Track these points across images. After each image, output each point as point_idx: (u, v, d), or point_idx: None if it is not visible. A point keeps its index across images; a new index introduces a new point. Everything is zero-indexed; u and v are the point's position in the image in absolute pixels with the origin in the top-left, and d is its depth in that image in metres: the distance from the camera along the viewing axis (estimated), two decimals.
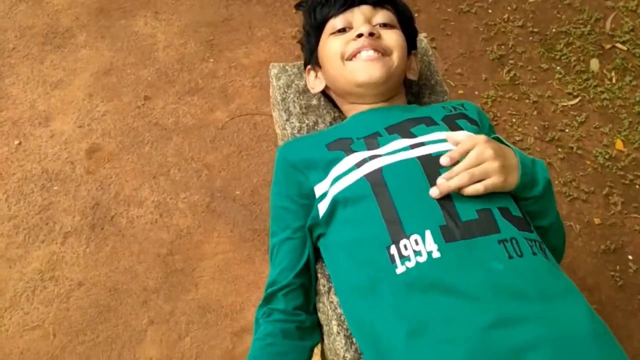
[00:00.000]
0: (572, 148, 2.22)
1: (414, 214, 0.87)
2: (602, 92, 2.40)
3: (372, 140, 0.99)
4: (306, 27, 1.24)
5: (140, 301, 1.81)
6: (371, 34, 1.07)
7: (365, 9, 1.13)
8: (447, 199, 0.87)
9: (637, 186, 2.13)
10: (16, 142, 2.13)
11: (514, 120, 2.30)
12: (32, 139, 2.14)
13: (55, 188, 2.02)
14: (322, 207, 0.99)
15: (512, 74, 2.45)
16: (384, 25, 1.13)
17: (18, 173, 2.05)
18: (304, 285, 1.04)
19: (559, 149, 2.23)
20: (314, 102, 1.27)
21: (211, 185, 2.06)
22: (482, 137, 0.89)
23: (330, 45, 1.13)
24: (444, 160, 0.89)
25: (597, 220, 2.05)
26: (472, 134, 0.96)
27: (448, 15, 2.68)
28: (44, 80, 2.30)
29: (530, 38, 2.60)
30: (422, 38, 1.41)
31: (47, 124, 2.18)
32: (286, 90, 1.29)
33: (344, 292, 0.96)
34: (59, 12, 2.56)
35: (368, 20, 1.12)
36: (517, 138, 2.25)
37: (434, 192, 0.87)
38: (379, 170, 0.93)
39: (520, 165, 0.90)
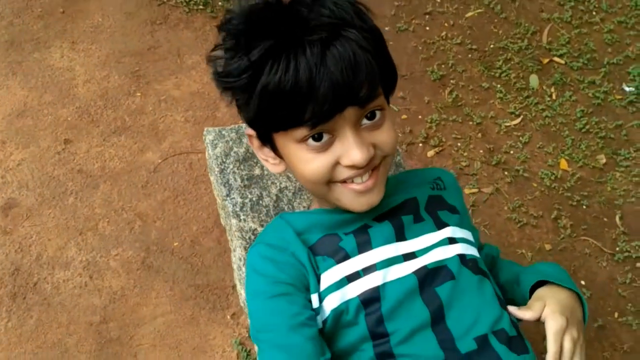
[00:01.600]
0: (518, 171, 2.20)
1: (410, 349, 0.79)
2: (543, 110, 2.38)
3: (364, 238, 0.88)
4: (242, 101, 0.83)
5: None
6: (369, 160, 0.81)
7: (352, 111, 0.78)
8: (443, 327, 0.81)
9: (584, 207, 2.13)
10: None
11: (459, 144, 2.25)
12: None
13: None
14: (320, 319, 0.86)
15: (454, 94, 2.40)
16: (373, 121, 0.82)
17: None
18: None
19: (506, 172, 2.20)
20: (257, 171, 1.15)
21: (146, 238, 1.89)
22: (563, 322, 0.85)
23: (310, 166, 0.82)
24: None
25: (547, 246, 2.02)
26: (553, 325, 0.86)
27: (386, 35, 2.56)
28: None
29: (470, 55, 2.56)
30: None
31: None
32: (224, 160, 1.16)
33: None
34: None
35: (355, 124, 0.80)
36: (464, 163, 2.20)
37: None
38: (376, 291, 0.83)
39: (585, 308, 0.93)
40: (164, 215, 1.94)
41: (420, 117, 2.32)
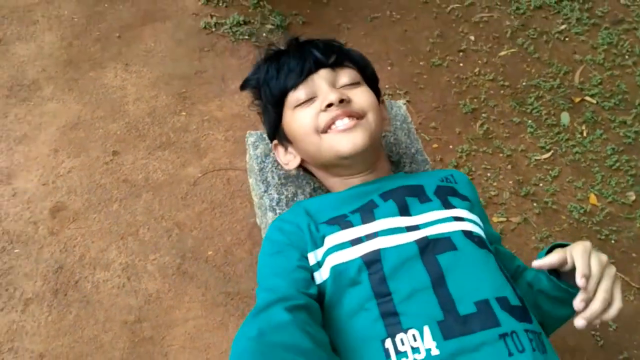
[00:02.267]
0: (547, 203, 2.23)
1: (411, 307, 0.83)
2: (574, 146, 2.42)
3: (368, 213, 0.95)
4: (262, 103, 1.15)
5: None
6: (341, 100, 1.01)
7: (324, 72, 1.06)
8: (444, 290, 0.83)
9: (613, 241, 2.13)
10: None
11: (488, 174, 2.30)
12: None
13: (16, 251, 1.91)
14: (320, 276, 0.93)
15: (485, 127, 2.46)
16: (350, 85, 1.06)
17: None
18: (314, 313, 0.86)
19: (535, 204, 2.23)
20: (293, 171, 1.23)
21: (182, 245, 1.98)
22: (605, 258, 0.84)
23: (299, 120, 1.05)
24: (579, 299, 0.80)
25: None
26: (584, 251, 0.85)
27: (420, 69, 2.70)
28: (7, 135, 2.21)
29: (502, 91, 2.63)
30: (402, 105, 1.39)
31: (9, 181, 2.08)
32: (264, 159, 1.25)
33: None
34: (25, 63, 2.48)
35: (332, 84, 1.05)
36: (493, 193, 2.24)
37: (580, 323, 0.78)
38: (377, 253, 0.89)
39: None
40: (201, 225, 2.04)
41: (451, 146, 2.38)
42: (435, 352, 0.78)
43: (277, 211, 1.16)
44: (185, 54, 2.61)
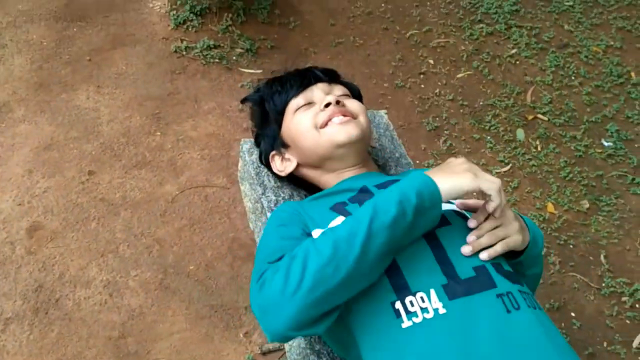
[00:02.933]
0: None
1: (417, 273, 0.91)
2: (530, 159, 2.59)
3: (365, 198, 1.03)
4: (259, 122, 1.31)
5: None
6: (337, 102, 1.17)
7: (321, 85, 1.24)
8: (445, 259, 0.92)
9: (571, 246, 2.28)
10: None
11: None
12: None
13: None
14: None
15: (448, 143, 2.60)
16: (343, 96, 1.24)
17: None
18: None
19: None
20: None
21: (163, 261, 2.00)
22: (503, 198, 0.95)
23: (300, 120, 1.20)
24: (472, 224, 0.97)
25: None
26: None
27: (385, 90, 2.84)
28: None
29: (461, 110, 2.80)
30: (383, 114, 1.49)
31: None
32: (259, 164, 1.31)
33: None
34: None
35: (327, 94, 1.22)
36: None
37: (467, 249, 0.93)
38: None
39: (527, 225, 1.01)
40: (181, 241, 2.06)
41: (417, 162, 2.51)
42: (442, 311, 0.86)
43: None
44: (157, 76, 2.66)
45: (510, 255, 1.00)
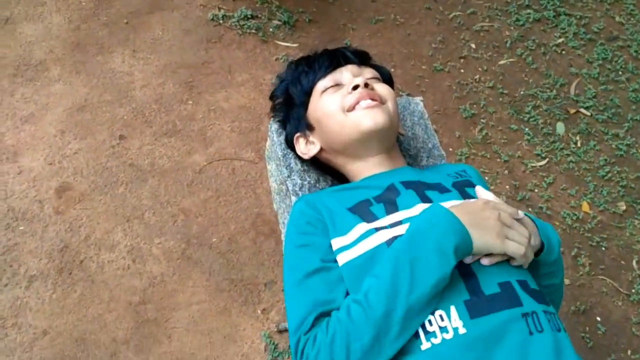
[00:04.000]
0: (541, 208, 2.30)
1: (444, 290, 0.86)
2: (568, 155, 2.50)
3: (391, 202, 0.99)
4: (291, 98, 1.24)
5: (109, 353, 1.71)
6: (366, 85, 1.11)
7: (351, 67, 1.18)
8: (470, 272, 0.87)
9: (603, 248, 2.21)
10: None
11: (486, 178, 2.37)
12: None
13: (21, 228, 1.92)
14: (344, 258, 0.96)
15: (484, 132, 2.53)
16: (373, 79, 1.18)
17: None
18: None
19: (530, 209, 2.30)
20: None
21: (187, 231, 2.01)
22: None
23: (327, 101, 1.15)
24: (486, 261, 0.91)
25: (567, 281, 2.10)
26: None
27: (423, 72, 2.76)
28: (14, 113, 2.21)
29: (500, 99, 2.71)
30: (419, 101, 1.44)
31: (15, 159, 2.08)
32: (287, 146, 1.28)
33: None
34: (33, 43, 2.48)
35: (357, 76, 1.16)
36: None
37: (486, 260, 0.89)
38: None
39: (539, 230, 0.95)
40: (206, 212, 2.06)
41: (450, 149, 2.44)
42: (462, 330, 0.82)
43: (300, 195, 1.19)
44: (192, 44, 2.64)
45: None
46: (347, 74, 1.17)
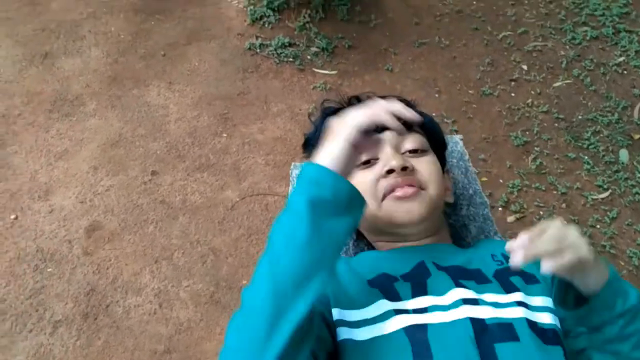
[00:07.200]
0: (604, 246, 2.08)
1: None
2: (634, 186, 2.27)
3: (420, 284, 0.84)
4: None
5: None
6: (404, 168, 0.92)
7: (389, 134, 0.96)
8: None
9: None
10: (12, 216, 2.00)
11: (541, 212, 2.17)
12: (29, 213, 2.01)
13: (49, 270, 1.87)
14: (349, 335, 0.81)
15: (538, 162, 2.33)
16: (414, 152, 0.98)
17: (11, 251, 1.91)
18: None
19: (591, 247, 2.08)
20: None
21: (216, 272, 1.91)
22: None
23: (359, 183, 0.93)
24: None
25: None
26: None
27: (469, 97, 2.59)
28: (48, 150, 2.20)
29: (556, 124, 2.51)
30: (458, 140, 1.29)
31: (47, 197, 2.06)
32: None
33: None
34: (70, 78, 2.48)
35: (396, 148, 0.96)
36: None
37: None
38: (424, 329, 0.77)
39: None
40: (236, 252, 1.96)
41: (501, 181, 2.26)
42: None
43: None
44: (229, 74, 2.58)
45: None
46: (386, 150, 0.96)
